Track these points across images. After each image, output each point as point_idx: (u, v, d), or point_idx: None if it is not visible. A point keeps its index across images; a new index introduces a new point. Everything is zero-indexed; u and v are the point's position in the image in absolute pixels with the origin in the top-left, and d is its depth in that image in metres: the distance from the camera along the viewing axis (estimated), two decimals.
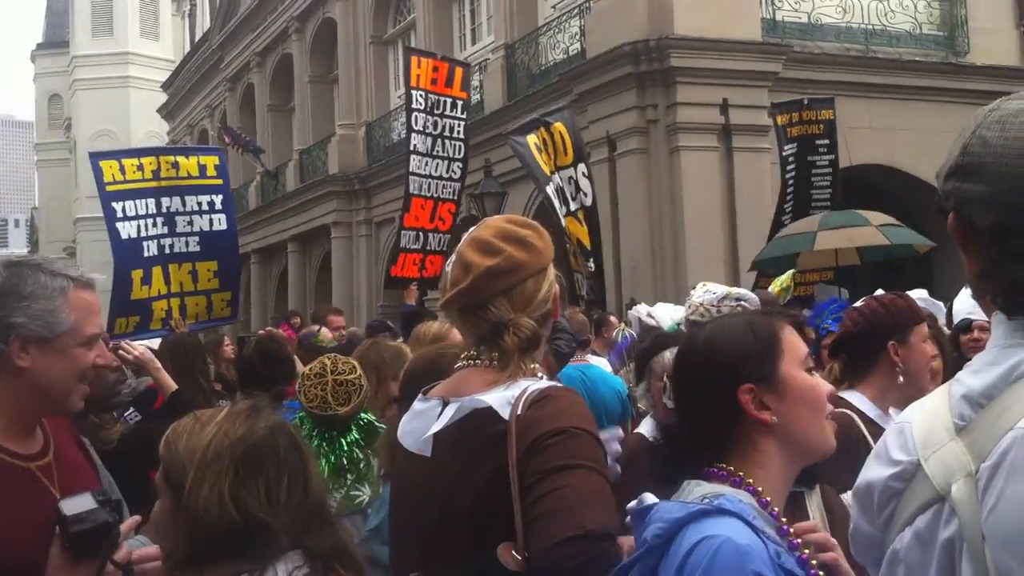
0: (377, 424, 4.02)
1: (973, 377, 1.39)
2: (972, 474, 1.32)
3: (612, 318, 8.99)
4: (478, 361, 2.22)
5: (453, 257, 2.28)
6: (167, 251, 8.26)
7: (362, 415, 4.07)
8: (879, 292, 3.82)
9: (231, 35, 32.37)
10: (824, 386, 1.97)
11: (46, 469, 2.31)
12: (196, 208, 8.43)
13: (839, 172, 11.86)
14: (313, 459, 2.08)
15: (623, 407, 6.08)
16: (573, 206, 9.11)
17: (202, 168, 8.53)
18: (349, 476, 3.95)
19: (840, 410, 3.25)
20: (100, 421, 4.51)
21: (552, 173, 9.03)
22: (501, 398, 2.10)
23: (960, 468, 1.34)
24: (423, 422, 2.24)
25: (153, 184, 8.31)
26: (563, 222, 9.09)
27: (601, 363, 6.73)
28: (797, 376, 1.90)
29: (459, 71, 10.16)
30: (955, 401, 1.41)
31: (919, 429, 1.44)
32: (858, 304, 3.54)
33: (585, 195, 9.21)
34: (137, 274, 8.12)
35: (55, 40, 54.16)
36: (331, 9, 24.96)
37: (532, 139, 9.08)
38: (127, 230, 8.22)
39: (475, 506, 2.07)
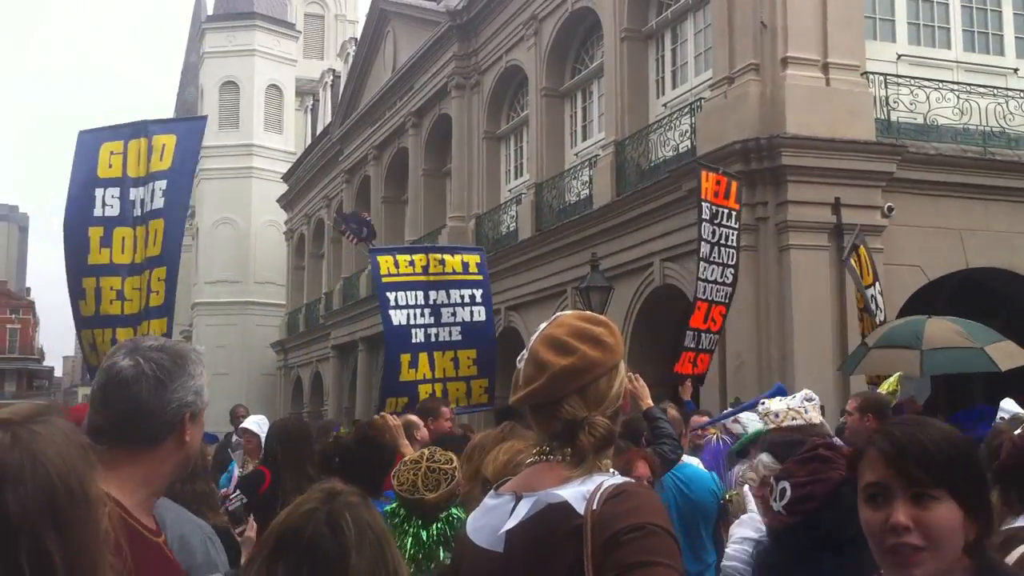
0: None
1: None
2: None
3: (700, 417, 8.84)
4: (550, 457, 2.21)
5: (525, 354, 2.29)
6: (432, 339, 8.92)
7: (453, 510, 4.03)
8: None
9: (350, 129, 33.42)
10: None
11: (166, 545, 2.44)
12: (459, 301, 9.20)
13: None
14: (373, 548, 2.02)
15: (719, 507, 5.95)
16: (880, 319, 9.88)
17: (465, 265, 9.35)
18: (423, 568, 3.89)
19: None
20: (209, 503, 4.58)
21: (866, 288, 10.02)
22: (576, 493, 2.09)
23: None
24: (495, 518, 2.23)
25: (422, 278, 9.13)
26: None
27: (693, 462, 6.59)
28: None
29: (735, 184, 10.66)
30: None
31: None
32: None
33: (881, 312, 10.12)
34: (405, 358, 8.81)
35: None
36: (447, 106, 25.59)
37: (853, 259, 10.25)
38: (398, 318, 8.96)
39: None
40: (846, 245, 13.31)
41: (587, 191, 18.96)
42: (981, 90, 14.75)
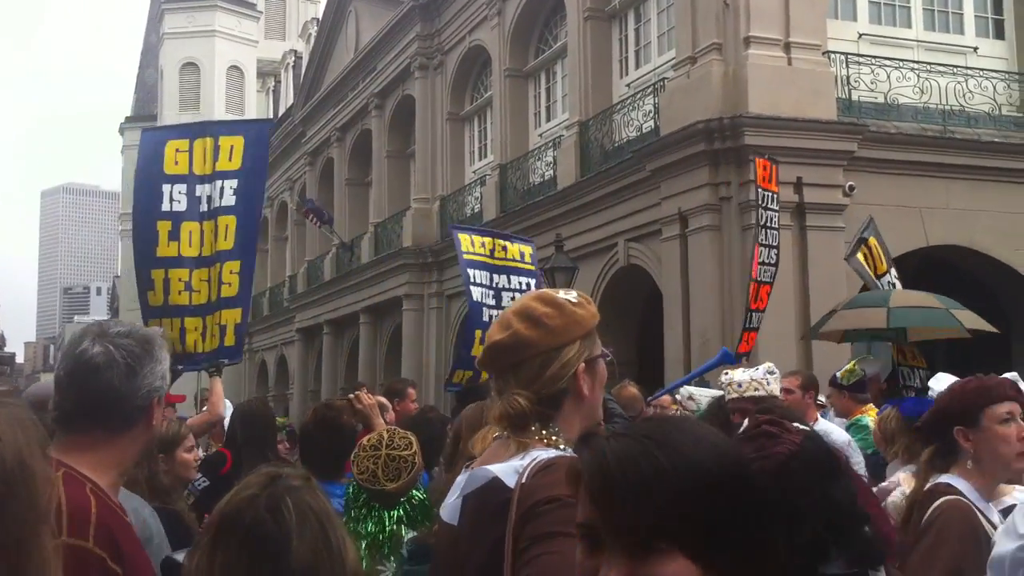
0: (428, 503, 3.97)
1: None
2: None
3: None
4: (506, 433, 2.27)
5: None
6: (486, 319, 9.10)
7: (415, 493, 4.01)
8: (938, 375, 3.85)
9: (313, 111, 33.20)
10: None
11: None
12: (517, 287, 9.45)
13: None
14: (314, 531, 2.01)
15: None
16: None
17: (522, 254, 9.72)
18: (388, 547, 3.88)
19: (955, 497, 3.28)
20: (169, 487, 4.52)
21: (877, 279, 9.73)
22: (509, 468, 2.13)
23: None
24: (454, 493, 2.33)
25: (489, 261, 9.47)
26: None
27: None
28: None
29: (775, 168, 11.06)
30: None
31: None
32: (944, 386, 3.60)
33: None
34: (477, 334, 8.98)
35: (143, 113, 55.86)
36: (410, 87, 25.48)
37: (860, 254, 9.77)
38: (476, 294, 9.27)
39: (479, 574, 2.11)
40: (808, 224, 13.43)
41: (551, 172, 18.97)
42: (941, 69, 14.87)
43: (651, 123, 15.68)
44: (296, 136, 35.63)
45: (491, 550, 2.08)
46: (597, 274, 16.75)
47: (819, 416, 6.90)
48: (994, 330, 9.04)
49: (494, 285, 9.44)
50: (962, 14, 15.83)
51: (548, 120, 20.70)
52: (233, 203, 8.19)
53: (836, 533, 2.52)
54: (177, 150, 8.17)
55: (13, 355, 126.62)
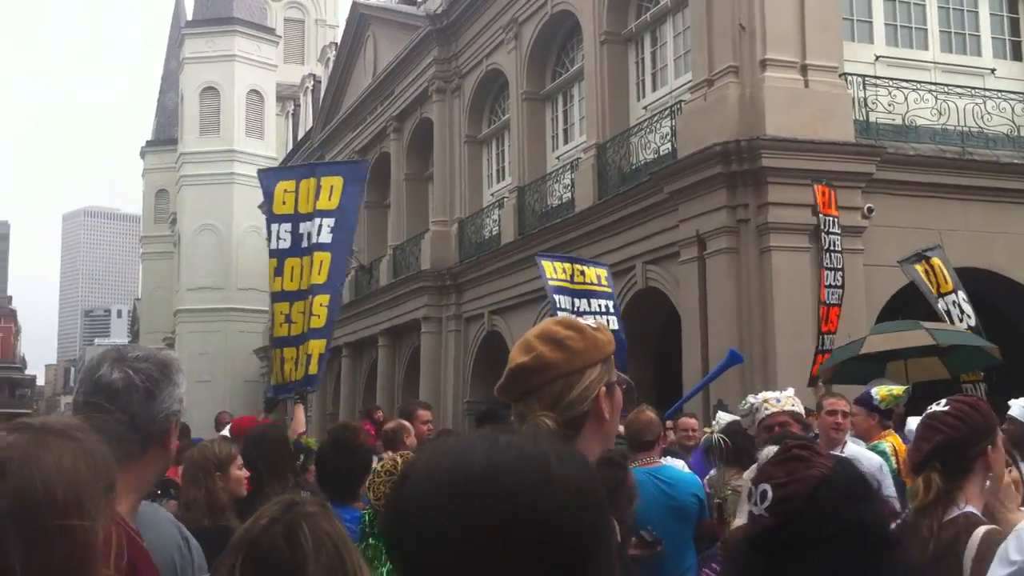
0: None
1: None
2: None
3: (689, 419, 8.89)
4: None
5: None
6: None
7: None
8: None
9: (332, 134, 33.39)
10: None
11: None
12: (598, 309, 9.90)
13: None
14: (330, 556, 2.02)
15: (700, 507, 5.99)
16: (960, 327, 10.08)
17: (598, 278, 10.18)
18: None
19: (995, 527, 3.14)
20: (225, 504, 4.70)
21: (939, 296, 10.37)
22: None
23: None
24: None
25: (570, 286, 9.89)
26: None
27: (678, 464, 6.60)
28: None
29: (834, 193, 11.48)
30: None
31: None
32: (944, 409, 3.38)
33: (969, 316, 10.29)
34: None
35: (164, 138, 56.32)
36: (428, 110, 25.61)
37: (920, 267, 10.56)
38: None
39: None
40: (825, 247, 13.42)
41: (569, 194, 19.00)
42: (959, 91, 14.84)
43: (668, 145, 15.71)
44: (315, 159, 35.80)
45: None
46: (616, 296, 16.74)
47: (847, 440, 6.87)
48: (992, 347, 9.35)
49: (576, 309, 9.78)
50: (979, 36, 15.82)
51: (565, 143, 20.76)
52: (329, 240, 8.80)
53: (867, 558, 2.53)
54: (285, 191, 8.77)
55: (34, 378, 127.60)
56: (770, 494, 2.53)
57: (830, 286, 10.91)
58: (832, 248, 11.09)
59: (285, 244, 8.69)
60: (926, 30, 15.54)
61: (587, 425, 2.26)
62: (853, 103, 14.17)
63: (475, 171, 24.14)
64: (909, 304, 11.74)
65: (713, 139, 13.65)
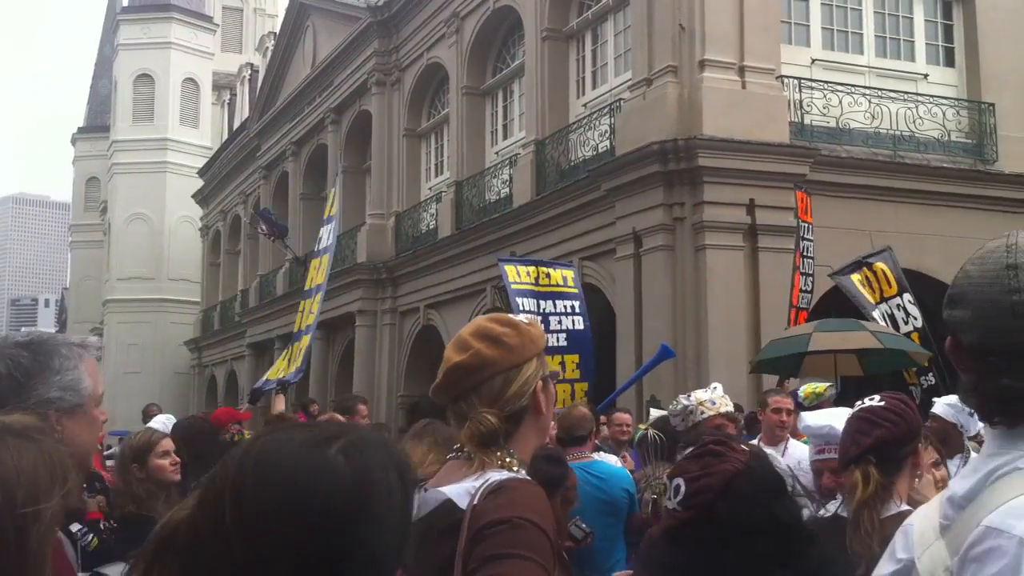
0: None
1: (959, 482, 1.60)
2: (948, 568, 1.52)
3: (623, 414, 8.93)
4: (460, 454, 2.27)
5: None
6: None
7: None
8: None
9: (268, 125, 33.03)
10: None
11: None
12: (563, 310, 10.04)
13: None
14: None
15: (631, 502, 6.03)
16: (905, 329, 10.23)
17: (564, 279, 10.31)
18: None
19: None
20: (146, 495, 4.64)
21: (879, 302, 10.40)
22: (461, 489, 2.14)
23: (941, 563, 1.55)
24: None
25: (535, 288, 10.06)
26: None
27: (611, 459, 6.63)
28: None
29: (809, 199, 11.76)
30: (943, 504, 1.61)
31: (917, 530, 1.66)
32: (881, 404, 3.39)
33: (915, 319, 10.41)
34: None
35: (96, 125, 55.26)
36: (367, 103, 25.44)
37: (856, 277, 10.57)
38: (525, 321, 9.53)
39: None
40: (760, 246, 13.55)
41: (507, 190, 19.00)
42: (892, 95, 15.10)
43: (607, 143, 15.77)
44: (251, 150, 35.43)
45: (442, 570, 2.06)
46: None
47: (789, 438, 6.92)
48: (928, 353, 9.55)
49: (542, 311, 9.93)
50: (913, 41, 16.10)
51: (505, 138, 20.74)
52: (328, 244, 9.85)
53: (783, 553, 2.53)
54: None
55: None
56: (683, 488, 2.53)
57: (804, 291, 11.13)
58: (806, 254, 11.29)
59: (320, 245, 9.86)
60: (862, 35, 15.78)
61: (526, 419, 2.29)
62: (789, 105, 14.35)
63: (413, 165, 24.02)
64: (841, 302, 11.90)
65: (651, 138, 13.73)
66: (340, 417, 8.00)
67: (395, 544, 1.25)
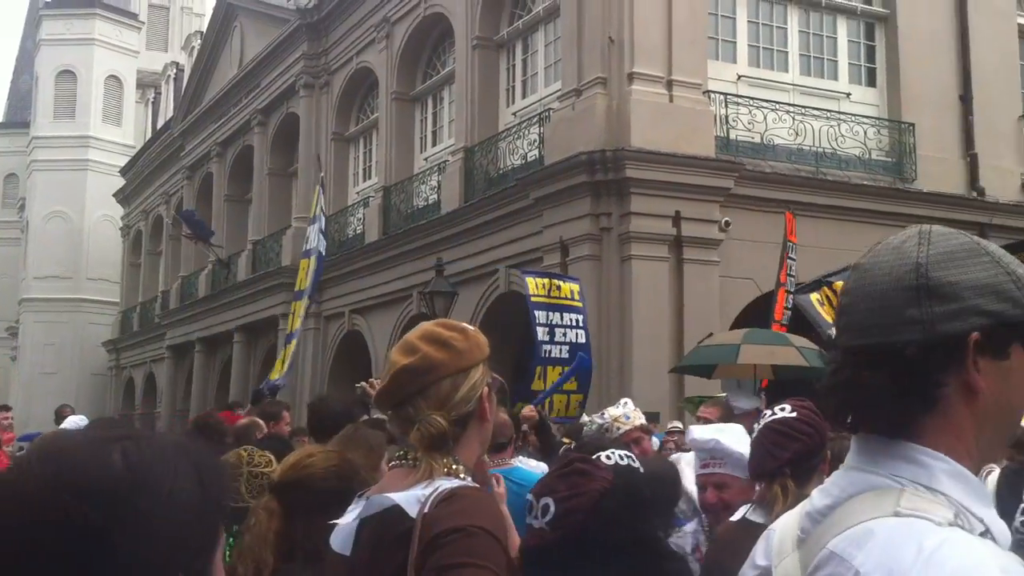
0: None
1: (819, 495, 1.48)
2: None
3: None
4: (406, 461, 2.22)
5: None
6: (547, 355, 10.15)
7: None
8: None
9: (193, 124, 32.57)
10: None
11: None
12: (569, 323, 10.38)
13: None
14: None
15: None
16: None
17: (572, 292, 10.65)
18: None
19: None
20: None
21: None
22: (411, 496, 2.10)
23: None
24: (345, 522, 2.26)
25: (547, 300, 10.42)
26: None
27: (531, 464, 6.63)
28: None
29: (794, 222, 12.26)
30: (802, 515, 1.50)
31: (779, 538, 1.57)
32: (794, 416, 3.41)
33: None
34: (539, 370, 10.02)
35: (16, 120, 53.97)
36: (295, 105, 25.21)
37: (815, 296, 10.69)
38: (540, 333, 10.22)
39: None
40: (685, 257, 13.71)
41: (435, 196, 18.97)
42: (815, 112, 15.40)
43: (536, 152, 15.84)
44: (175, 150, 34.90)
45: None
46: (478, 299, 16.79)
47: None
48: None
49: (550, 322, 10.35)
50: (836, 61, 16.43)
51: (434, 145, 20.72)
52: (314, 245, 9.55)
53: (644, 568, 2.57)
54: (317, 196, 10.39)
55: None
56: (552, 508, 2.54)
57: (787, 308, 11.44)
58: (791, 272, 11.66)
59: (308, 245, 9.99)
60: (787, 53, 16.06)
61: (471, 425, 2.26)
62: (715, 120, 14.55)
63: (341, 169, 23.87)
64: (761, 314, 12.11)
65: (579, 148, 13.82)
66: (262, 423, 7.91)
67: (175, 542, 1.18)
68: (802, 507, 1.52)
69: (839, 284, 10.51)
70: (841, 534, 1.36)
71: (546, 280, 10.72)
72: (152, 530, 1.14)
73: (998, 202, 16.24)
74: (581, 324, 10.60)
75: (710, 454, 3.82)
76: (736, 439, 3.89)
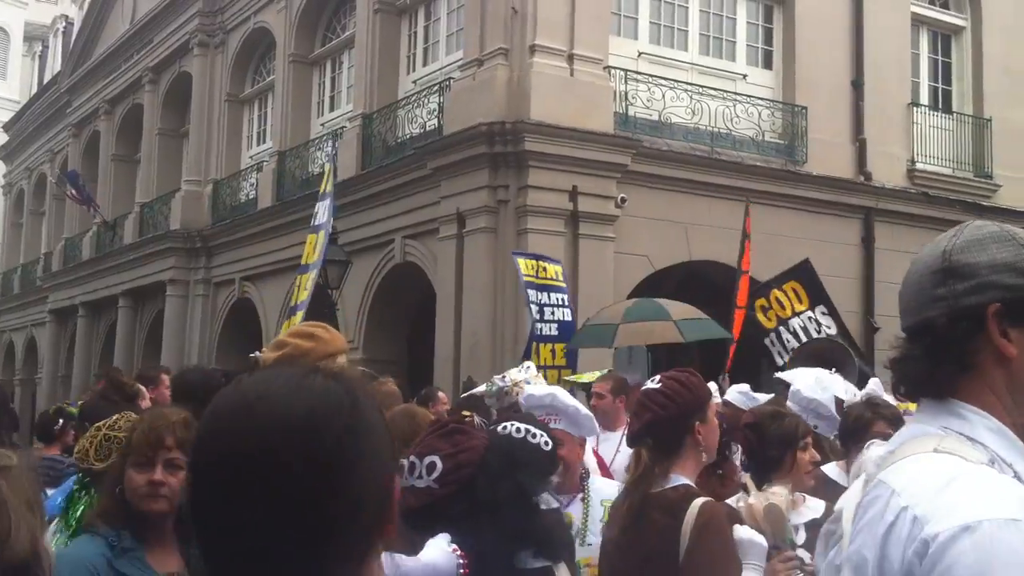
0: None
1: (881, 447, 1.78)
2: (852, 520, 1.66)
3: (441, 393, 8.94)
4: None
5: None
6: (539, 333, 10.64)
7: None
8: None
9: (81, 80, 31.47)
10: None
11: None
12: (556, 302, 10.86)
13: None
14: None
15: None
16: (819, 339, 10.69)
17: (556, 273, 11.20)
18: None
19: (710, 499, 3.33)
20: None
21: (789, 317, 10.97)
22: None
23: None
24: None
25: (536, 281, 10.90)
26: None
27: None
28: None
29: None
30: (870, 463, 1.78)
31: (850, 492, 1.78)
32: (654, 387, 3.45)
33: (829, 328, 10.98)
34: (533, 346, 10.54)
35: None
36: (188, 63, 24.52)
37: (760, 301, 11.18)
38: (534, 312, 10.65)
39: None
40: (581, 233, 13.75)
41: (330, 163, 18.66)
42: (712, 92, 15.54)
43: (435, 121, 15.69)
44: (61, 106, 33.68)
45: None
46: (372, 269, 16.61)
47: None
48: (728, 335, 10.39)
49: (539, 301, 10.79)
50: (735, 42, 16.61)
51: (331, 110, 20.38)
52: (323, 221, 10.58)
53: (526, 522, 2.68)
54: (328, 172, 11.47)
55: None
56: (440, 464, 2.56)
57: (752, 294, 11.75)
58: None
59: (316, 221, 10.56)
60: (687, 32, 16.16)
61: None
62: (614, 96, 14.58)
63: (234, 131, 23.33)
64: (653, 292, 12.22)
65: (479, 119, 13.72)
66: (143, 388, 7.67)
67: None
68: (867, 455, 1.87)
69: (790, 285, 11.16)
70: (889, 467, 1.63)
71: (534, 261, 11.20)
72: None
73: (884, 187, 16.66)
74: (566, 303, 11.09)
75: (546, 411, 4.05)
76: (570, 396, 4.21)
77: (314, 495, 1.17)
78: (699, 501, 3.24)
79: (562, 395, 4.14)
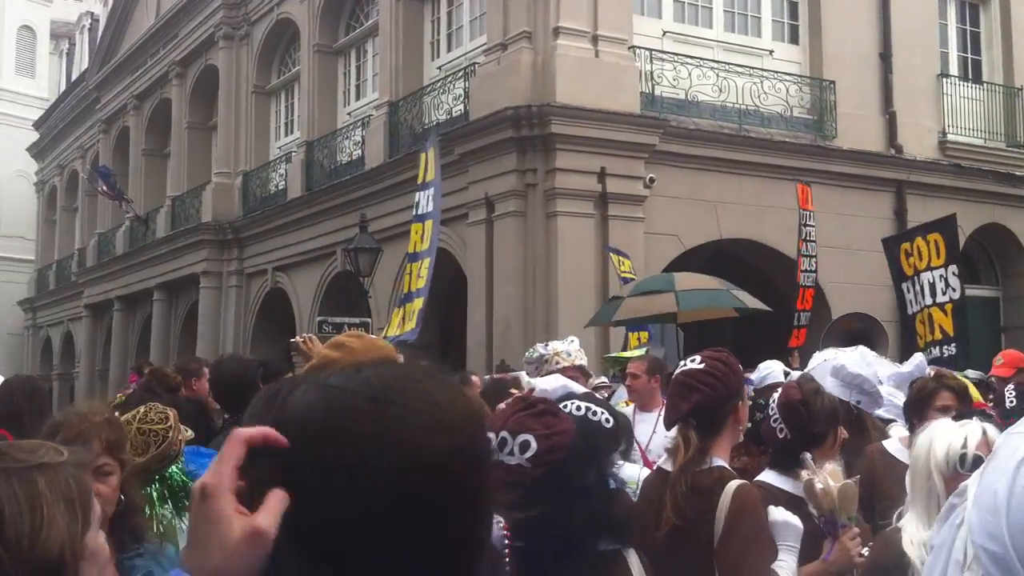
0: (189, 483, 3.63)
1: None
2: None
3: (475, 378, 8.95)
4: None
5: None
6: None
7: (174, 469, 3.72)
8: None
9: (109, 76, 31.70)
10: None
11: None
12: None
13: None
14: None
15: None
16: (942, 299, 10.68)
17: (630, 267, 12.23)
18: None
19: (744, 481, 3.35)
20: None
21: (922, 271, 10.87)
22: None
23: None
24: None
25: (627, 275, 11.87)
26: (921, 313, 10.81)
27: None
28: None
29: (810, 191, 12.95)
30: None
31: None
32: (700, 367, 3.44)
33: (954, 290, 10.75)
34: (630, 335, 11.78)
35: None
36: (214, 56, 24.65)
37: (905, 246, 11.14)
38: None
39: None
40: (609, 214, 13.74)
41: (359, 151, 18.74)
42: (739, 69, 15.44)
43: (461, 107, 15.70)
44: (90, 102, 33.96)
45: None
46: (402, 257, 16.65)
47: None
48: (766, 308, 10.10)
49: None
50: (760, 18, 16.49)
51: (357, 99, 20.43)
52: (430, 210, 10.59)
53: (608, 506, 2.70)
54: (427, 160, 11.00)
55: None
56: (534, 444, 2.57)
57: (805, 271, 12.26)
58: (808, 238, 12.39)
59: (418, 211, 10.65)
60: (711, 9, 16.05)
61: None
62: (640, 76, 14.52)
63: (262, 123, 23.44)
64: (685, 269, 12.19)
65: (505, 103, 13.72)
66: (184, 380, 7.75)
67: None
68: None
69: (933, 236, 10.97)
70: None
71: (620, 257, 12.36)
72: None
73: (915, 159, 16.51)
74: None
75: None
76: (581, 388, 4.27)
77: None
78: (734, 484, 3.24)
79: (574, 387, 4.12)
